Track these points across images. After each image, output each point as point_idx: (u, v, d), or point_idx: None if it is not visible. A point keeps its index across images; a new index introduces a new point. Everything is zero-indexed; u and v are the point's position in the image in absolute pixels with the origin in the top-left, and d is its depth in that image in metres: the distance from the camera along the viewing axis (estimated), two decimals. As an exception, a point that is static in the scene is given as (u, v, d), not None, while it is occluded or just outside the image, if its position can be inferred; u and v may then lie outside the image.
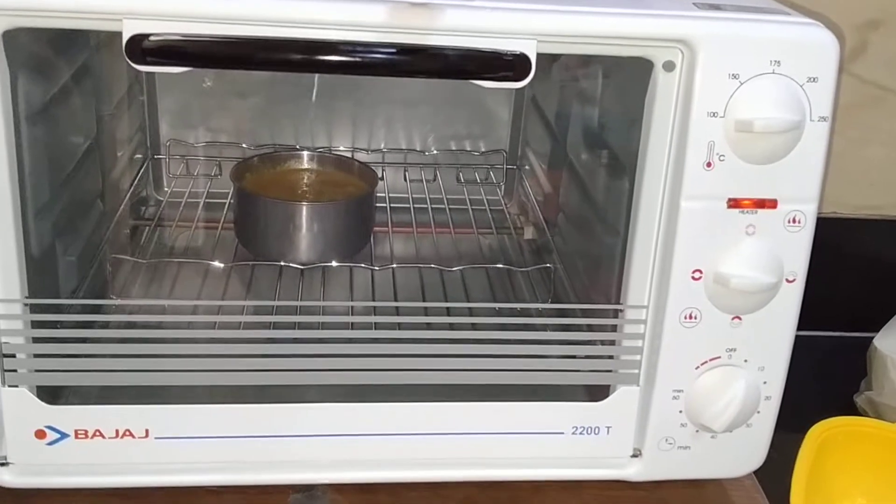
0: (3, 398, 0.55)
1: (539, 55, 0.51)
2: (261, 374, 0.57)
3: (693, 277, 0.55)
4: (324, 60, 0.49)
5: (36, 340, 0.55)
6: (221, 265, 0.69)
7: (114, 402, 0.57)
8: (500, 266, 0.74)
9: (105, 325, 0.60)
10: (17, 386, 0.55)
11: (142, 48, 0.48)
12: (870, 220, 0.90)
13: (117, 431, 0.57)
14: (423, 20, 0.49)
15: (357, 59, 0.49)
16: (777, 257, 0.55)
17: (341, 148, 0.86)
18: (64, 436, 0.56)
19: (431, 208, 0.82)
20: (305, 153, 0.81)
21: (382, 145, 0.88)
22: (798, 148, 0.53)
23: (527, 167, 0.88)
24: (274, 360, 0.56)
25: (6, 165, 0.51)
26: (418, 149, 0.88)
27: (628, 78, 0.57)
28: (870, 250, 0.90)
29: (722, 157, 0.53)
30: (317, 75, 0.82)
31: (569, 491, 0.62)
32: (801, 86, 0.52)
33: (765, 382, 0.58)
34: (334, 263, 0.72)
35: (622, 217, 0.58)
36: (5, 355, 0.54)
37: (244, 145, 0.85)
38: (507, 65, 0.50)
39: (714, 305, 0.56)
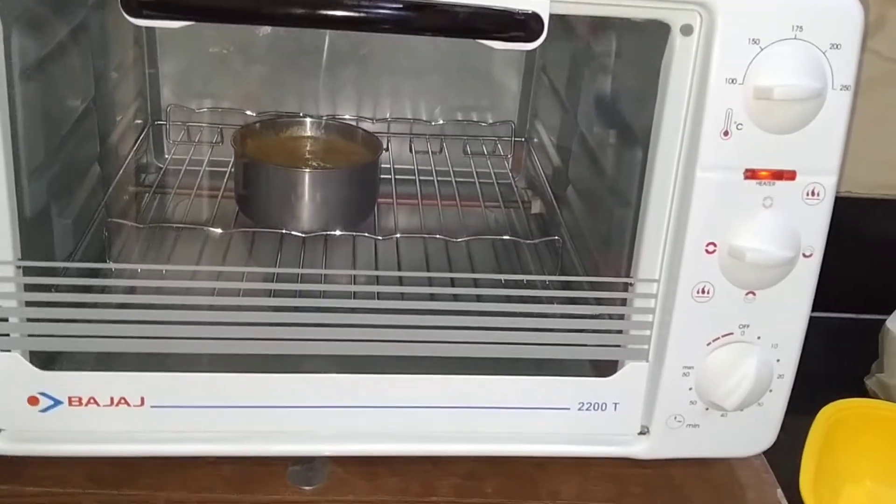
0: (-4, 363, 0.54)
1: (552, 16, 0.49)
2: (260, 342, 0.55)
3: (707, 251, 0.54)
4: (328, 15, 0.47)
5: (29, 304, 0.54)
6: (221, 231, 0.67)
7: (110, 369, 0.56)
8: (507, 238, 0.73)
9: (101, 290, 0.58)
10: (9, 350, 0.54)
11: (138, 1, 0.46)
12: (885, 199, 0.89)
13: (112, 399, 0.56)
14: (433, -24, 0.47)
15: (362, 14, 0.47)
16: (794, 231, 0.53)
17: (346, 116, 0.85)
18: (57, 402, 0.55)
19: (437, 180, 0.81)
20: (308, 120, 0.79)
21: (388, 115, 0.86)
22: (819, 117, 0.51)
23: (535, 140, 0.87)
24: (274, 328, 0.55)
25: (-1, 123, 0.50)
26: (424, 119, 0.87)
27: (643, 43, 0.55)
28: (885, 231, 0.89)
29: (740, 126, 0.51)
30: (325, 40, 0.80)
31: (574, 467, 0.61)
32: (823, 52, 0.50)
33: (778, 360, 0.57)
34: (337, 232, 0.71)
35: (634, 188, 0.56)
36: (-3, 319, 0.53)
37: (247, 112, 0.83)
38: (519, 24, 0.48)
39: (728, 280, 0.54)
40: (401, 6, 0.47)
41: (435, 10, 0.48)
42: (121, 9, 0.46)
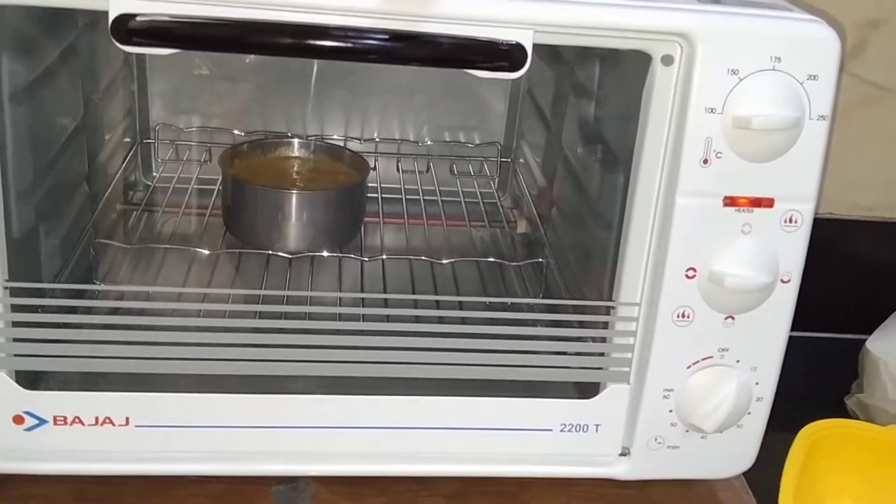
0: (-19, 383, 0.54)
1: (536, 46, 0.50)
2: (246, 363, 0.56)
3: (687, 275, 0.54)
4: (315, 45, 0.48)
5: (16, 325, 0.54)
6: (208, 252, 0.68)
7: (96, 388, 0.56)
8: (492, 260, 0.74)
9: (88, 311, 0.59)
10: (-5, 370, 0.54)
11: (128, 28, 0.47)
12: (865, 220, 0.89)
13: (97, 419, 0.56)
14: (418, 7, 0.48)
15: (349, 45, 0.48)
16: (773, 257, 0.54)
17: (334, 137, 0.85)
18: (42, 422, 0.55)
19: (424, 199, 0.81)
20: (296, 140, 0.80)
21: (375, 135, 0.87)
22: (796, 146, 0.52)
23: (521, 160, 0.87)
24: (259, 349, 0.55)
25: (-12, 146, 0.50)
26: (412, 139, 0.87)
27: (626, 71, 0.56)
28: (864, 251, 0.90)
29: (719, 154, 0.52)
30: (314, 62, 0.81)
31: (556, 487, 0.61)
32: (801, 83, 0.51)
33: (757, 383, 0.58)
34: (324, 253, 0.71)
35: (616, 212, 0.57)
36: (-17, 339, 0.53)
37: (235, 131, 0.84)
38: (503, 54, 0.49)
39: (707, 304, 0.55)
40: (387, 37, 0.48)
41: (420, 41, 0.48)
42: (111, 37, 0.47)
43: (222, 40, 0.48)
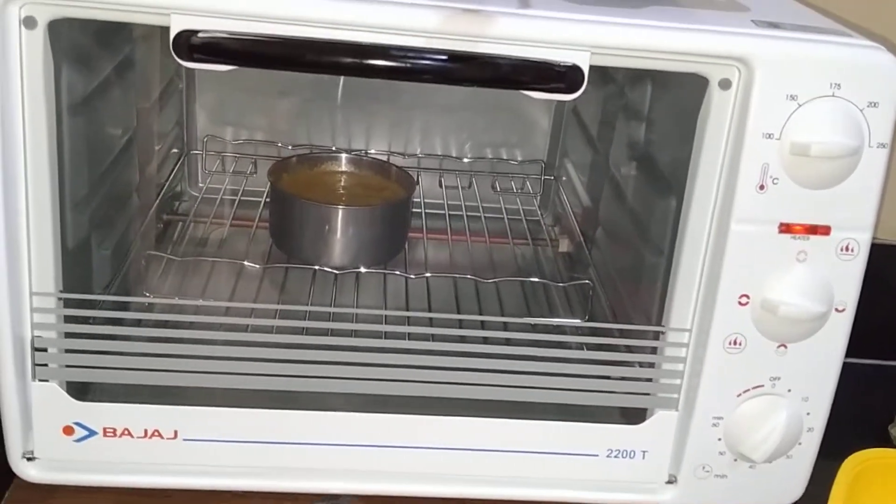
0: (33, 392, 0.55)
1: (591, 68, 0.50)
2: (291, 379, 0.56)
3: (740, 302, 0.54)
4: (373, 65, 0.48)
5: (68, 335, 0.54)
6: (255, 266, 0.68)
7: (139, 400, 0.56)
8: (535, 280, 0.73)
9: (137, 322, 0.59)
10: (47, 380, 0.55)
11: (189, 44, 0.47)
12: (912, 246, 0.88)
13: (146, 431, 0.56)
14: (476, 27, 0.48)
15: (407, 65, 0.48)
16: (827, 286, 0.54)
17: (376, 151, 0.85)
18: (92, 433, 0.56)
19: (466, 216, 0.81)
20: (343, 155, 0.80)
21: (418, 150, 0.87)
22: (855, 174, 0.52)
23: (564, 178, 0.87)
24: (305, 366, 0.56)
25: (46, 157, 0.51)
26: (454, 155, 0.87)
27: (679, 94, 0.56)
28: (909, 277, 0.88)
29: (776, 181, 0.51)
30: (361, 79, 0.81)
31: (599, 514, 0.61)
32: (860, 110, 0.51)
33: (808, 413, 0.57)
34: (367, 270, 0.71)
35: (667, 236, 0.57)
36: (37, 349, 0.54)
37: (280, 144, 0.84)
38: (560, 76, 0.49)
39: (760, 332, 0.54)
40: (445, 58, 0.48)
41: (478, 61, 0.48)
42: (172, 52, 0.48)
43: (280, 58, 0.49)
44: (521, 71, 0.49)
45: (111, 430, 0.56)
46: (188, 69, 0.82)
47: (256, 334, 0.57)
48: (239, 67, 0.48)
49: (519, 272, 0.77)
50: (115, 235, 0.65)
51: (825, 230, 0.53)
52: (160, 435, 0.56)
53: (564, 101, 0.84)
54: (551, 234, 0.85)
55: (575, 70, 0.49)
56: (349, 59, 0.48)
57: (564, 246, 0.83)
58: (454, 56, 0.48)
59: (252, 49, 0.48)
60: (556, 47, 0.49)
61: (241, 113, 0.84)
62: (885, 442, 0.76)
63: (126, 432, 0.56)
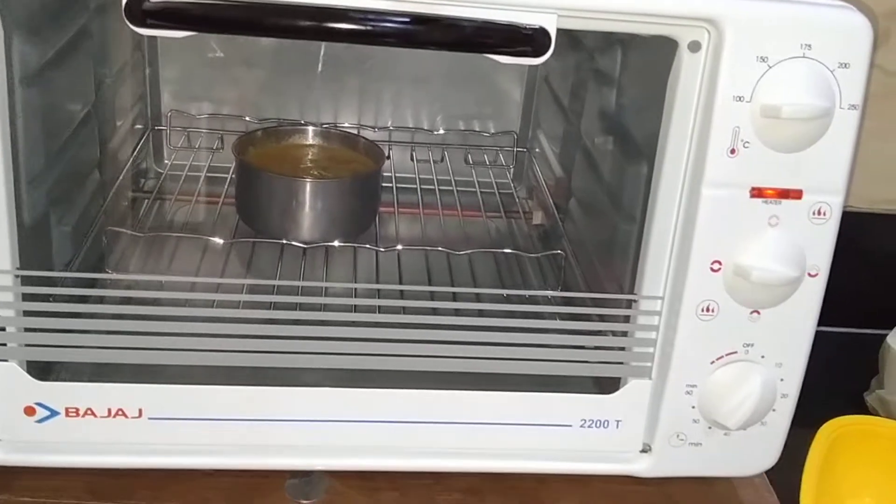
0: (-8, 373, 0.53)
1: (558, 31, 0.48)
2: (259, 355, 0.55)
3: (712, 269, 0.53)
4: (334, 28, 0.46)
5: (27, 314, 0.53)
6: (221, 241, 0.67)
7: (107, 379, 0.55)
8: (509, 251, 0.72)
9: (100, 300, 0.58)
10: (6, 360, 0.53)
11: (142, 10, 0.46)
12: (887, 214, 0.88)
13: (109, 410, 0.55)
14: (439, -11, 0.47)
15: (368, 28, 0.46)
16: (800, 250, 0.53)
17: (347, 124, 0.84)
18: (54, 413, 0.55)
19: (439, 189, 0.80)
20: (311, 128, 0.78)
21: (389, 123, 0.85)
22: (826, 136, 0.51)
23: (537, 150, 0.86)
24: (273, 341, 0.54)
25: (-1, 130, 0.49)
26: (426, 128, 0.86)
27: (650, 58, 0.55)
28: (886, 246, 0.88)
29: (747, 144, 0.51)
30: (326, 48, 0.80)
31: (575, 484, 0.60)
32: (831, 71, 0.50)
33: (782, 380, 0.56)
34: (337, 243, 0.70)
35: (639, 203, 0.56)
36: (-6, 328, 0.52)
37: (247, 118, 0.83)
38: (526, 39, 0.48)
39: (732, 298, 0.54)
40: (407, 20, 0.46)
41: (441, 24, 0.47)
42: (124, 18, 0.46)
43: (238, 22, 0.47)
44: (485, 34, 0.48)
45: (74, 411, 0.55)
46: (149, 43, 0.80)
47: (223, 310, 0.55)
48: (195, 36, 0.47)
49: (492, 245, 0.76)
50: (76, 212, 0.63)
51: (797, 194, 0.52)
52: (124, 414, 0.55)
53: (536, 71, 0.84)
54: (525, 207, 0.84)
55: (542, 33, 0.48)
56: (309, 23, 0.46)
57: (538, 218, 0.82)
58: (417, 18, 0.47)
59: (208, 13, 0.46)
60: (522, 9, 0.48)
61: (207, 86, 0.83)
62: (862, 410, 0.76)
63: (89, 412, 0.55)
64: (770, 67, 0.50)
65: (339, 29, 0.47)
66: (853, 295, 0.85)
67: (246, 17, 0.46)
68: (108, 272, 0.64)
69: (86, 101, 0.65)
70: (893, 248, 0.88)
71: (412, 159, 0.84)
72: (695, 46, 0.51)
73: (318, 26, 0.46)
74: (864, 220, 0.87)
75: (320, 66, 0.81)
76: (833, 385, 0.78)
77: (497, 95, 0.86)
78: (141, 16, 0.46)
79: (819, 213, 0.53)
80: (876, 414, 0.76)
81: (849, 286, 0.82)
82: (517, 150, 0.87)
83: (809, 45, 0.49)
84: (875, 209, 0.88)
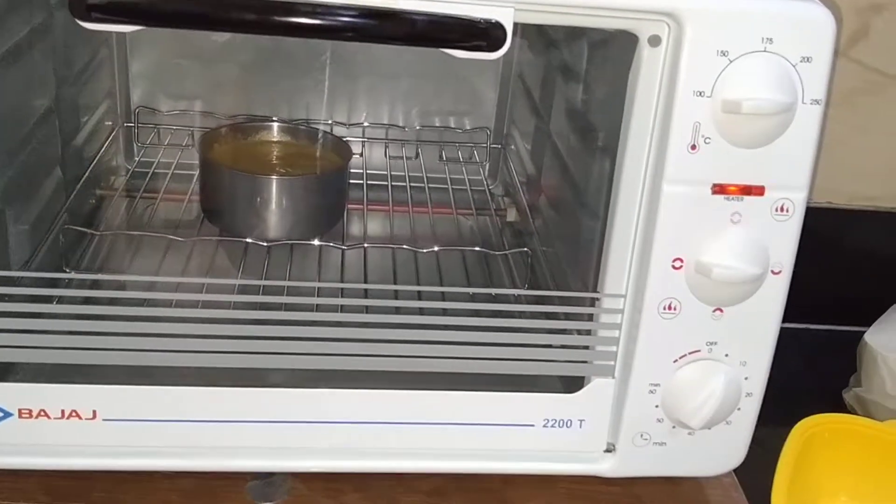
0: (-57, 374, 0.52)
1: (521, 26, 0.48)
2: (218, 355, 0.54)
3: (673, 266, 0.52)
4: (283, 22, 0.45)
5: (-20, 314, 0.52)
6: (182, 240, 0.66)
7: (66, 380, 0.54)
8: (476, 249, 0.71)
9: (59, 300, 0.57)
10: (-42, 361, 0.53)
11: (87, 3, 0.45)
12: (864, 211, 0.88)
13: (63, 412, 0.54)
14: (393, -18, 0.46)
15: (318, 22, 0.45)
16: (763, 247, 0.52)
17: (320, 121, 0.83)
18: (7, 415, 0.54)
19: (410, 186, 0.79)
20: (276, 124, 0.78)
21: (363, 119, 0.85)
22: (788, 132, 0.50)
23: (512, 147, 0.85)
24: (233, 341, 0.54)
25: (-50, 126, 0.48)
26: (400, 124, 0.85)
27: (613, 53, 0.54)
28: (864, 242, 0.88)
29: (708, 140, 0.50)
30: (300, 46, 0.79)
31: (540, 484, 0.60)
32: (793, 66, 0.49)
33: (746, 378, 0.56)
34: (302, 241, 0.69)
35: (602, 200, 0.55)
36: (-55, 329, 0.52)
37: (217, 115, 0.82)
38: (481, 33, 0.47)
39: (695, 296, 0.53)
40: (356, 14, 0.46)
41: (394, 18, 0.46)
42: (69, 11, 0.45)
43: (188, 16, 0.46)
44: (440, 28, 0.47)
45: (27, 412, 0.54)
46: (118, 39, 0.79)
47: (182, 309, 0.54)
48: (162, 32, 0.46)
49: (462, 243, 0.75)
50: (35, 211, 0.62)
51: (759, 190, 0.51)
52: (78, 416, 0.54)
53: (511, 67, 0.83)
54: (500, 205, 0.83)
55: (497, 27, 0.47)
56: (258, 17, 0.45)
57: (512, 216, 0.82)
58: (369, 12, 0.46)
59: (155, 6, 0.45)
60: (478, 3, 0.47)
61: (177, 84, 0.82)
62: (840, 408, 0.76)
63: (42, 413, 0.54)
64: (731, 62, 0.49)
65: (289, 23, 0.46)
66: (832, 292, 0.85)
67: (194, 11, 0.46)
68: (66, 271, 0.63)
69: (46, 97, 0.64)
70: (872, 244, 0.88)
71: (385, 156, 0.83)
72: (655, 41, 0.50)
73: (267, 20, 0.46)
74: (843, 217, 0.87)
75: (293, 63, 0.80)
76: (811, 384, 0.78)
77: (471, 92, 0.85)
78: (85, 9, 0.45)
79: (782, 209, 0.52)
80: (854, 412, 0.75)
81: (828, 283, 0.82)
82: (491, 147, 0.86)
83: (771, 39, 0.49)
84: (854, 206, 0.87)
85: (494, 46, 0.48)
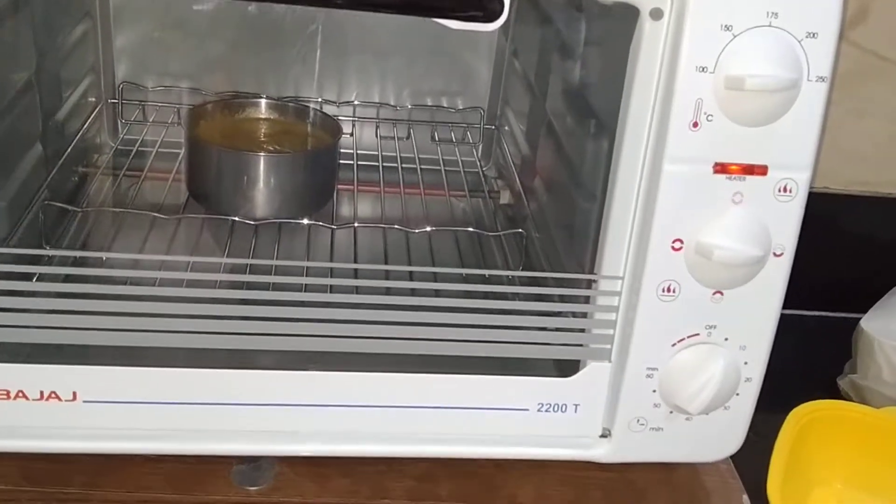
0: (-82, 354, 0.51)
1: (516, -2, 0.46)
2: (203, 336, 0.52)
3: (673, 247, 0.51)
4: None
5: (-46, 291, 0.50)
6: (167, 218, 0.64)
7: (45, 361, 0.53)
8: (469, 230, 0.70)
9: (39, 278, 0.55)
10: (-67, 341, 0.51)
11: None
12: (861, 196, 0.87)
13: (42, 393, 0.53)
14: (386, -50, 0.44)
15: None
16: (765, 229, 0.51)
17: (309, 99, 0.81)
18: (-16, 396, 0.52)
19: (402, 167, 0.78)
20: (264, 101, 0.76)
21: (354, 98, 0.83)
22: (793, 110, 0.49)
23: (506, 127, 0.84)
24: (219, 321, 0.52)
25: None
26: (392, 103, 0.84)
27: (612, 28, 0.53)
28: (860, 228, 0.87)
29: (710, 117, 0.49)
30: (290, 17, 0.77)
31: (532, 470, 0.59)
32: (799, 41, 0.48)
33: (745, 363, 0.55)
34: (291, 220, 0.67)
35: (600, 181, 0.54)
36: (-81, 307, 0.50)
37: (204, 92, 0.80)
38: (477, 3, 0.46)
39: (694, 278, 0.52)
40: (349, -20, 0.44)
41: (387, -15, 0.45)
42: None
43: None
44: (435, -4, 0.45)
45: (4, 393, 0.52)
46: (102, 11, 0.77)
47: (167, 288, 0.53)
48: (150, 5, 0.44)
49: (454, 224, 0.74)
50: (13, 187, 0.60)
51: (762, 170, 0.50)
52: (57, 397, 0.53)
53: (505, 46, 0.82)
54: (493, 186, 0.82)
55: (495, -4, 0.46)
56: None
57: (506, 198, 0.80)
58: (361, -20, 0.45)
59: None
60: (474, -27, 0.46)
61: (162, 59, 0.80)
62: (835, 394, 0.75)
63: (21, 395, 0.52)
64: (735, 36, 0.47)
65: (278, -11, 0.44)
66: (828, 278, 0.84)
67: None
68: (45, 248, 0.61)
69: (25, 70, 0.62)
70: (868, 229, 0.87)
71: (376, 136, 0.82)
72: (657, 14, 0.48)
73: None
74: (839, 202, 0.86)
75: (283, 39, 0.79)
76: (806, 370, 0.77)
77: (465, 70, 0.84)
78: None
79: (785, 189, 0.51)
80: (849, 399, 0.74)
81: (823, 269, 0.81)
82: (485, 128, 0.85)
83: (776, 14, 0.47)
84: (850, 190, 0.87)
85: (491, 17, 0.46)
